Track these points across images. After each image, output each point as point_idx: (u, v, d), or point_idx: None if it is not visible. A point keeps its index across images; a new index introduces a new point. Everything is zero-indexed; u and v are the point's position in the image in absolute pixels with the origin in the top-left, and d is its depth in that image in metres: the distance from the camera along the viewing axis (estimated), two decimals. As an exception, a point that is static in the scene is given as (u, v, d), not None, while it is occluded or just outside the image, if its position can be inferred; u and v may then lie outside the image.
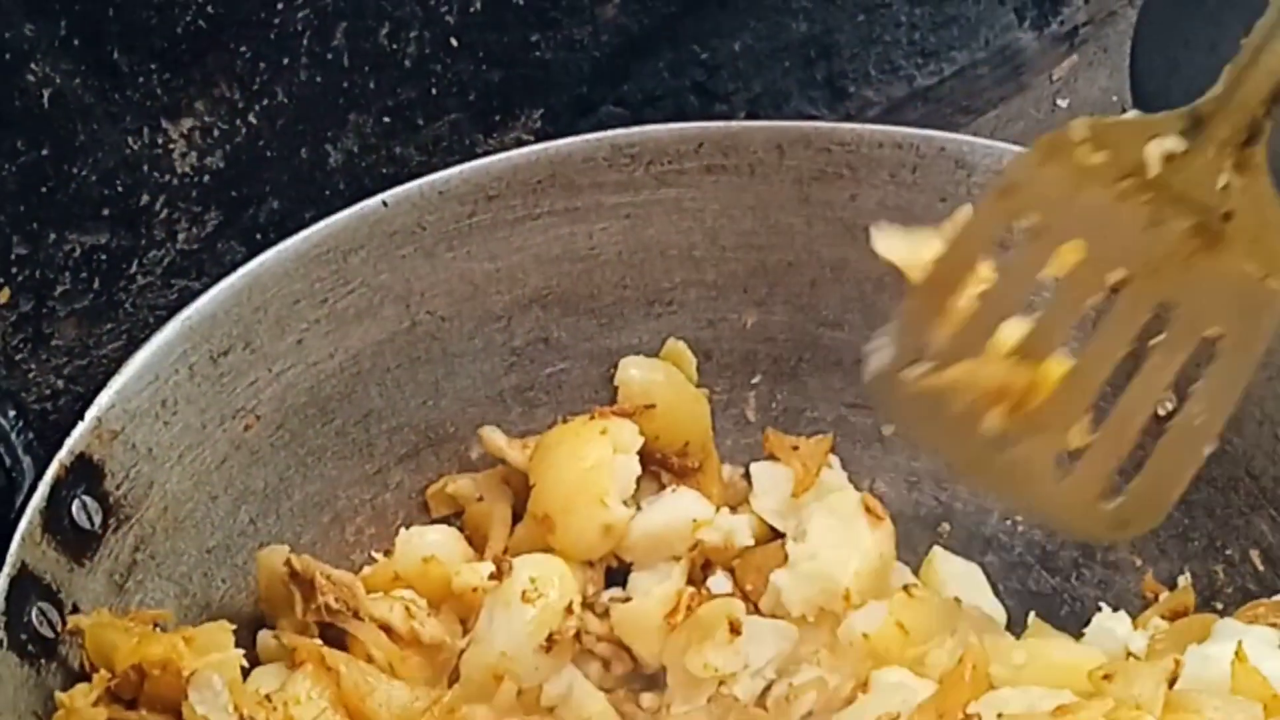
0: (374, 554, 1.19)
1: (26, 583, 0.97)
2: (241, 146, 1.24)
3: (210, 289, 1.10)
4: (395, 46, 1.29)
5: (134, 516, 1.05)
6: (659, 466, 1.19)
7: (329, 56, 1.26)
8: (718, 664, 1.10)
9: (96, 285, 1.22)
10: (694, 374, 1.22)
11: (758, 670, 1.12)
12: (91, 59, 1.14)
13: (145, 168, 1.20)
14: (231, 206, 1.27)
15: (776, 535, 1.18)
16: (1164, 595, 1.16)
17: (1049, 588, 1.21)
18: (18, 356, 1.20)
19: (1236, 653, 1.01)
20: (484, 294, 1.19)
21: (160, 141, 1.20)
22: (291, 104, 1.26)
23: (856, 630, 1.09)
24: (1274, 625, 1.08)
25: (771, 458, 1.21)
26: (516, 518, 1.18)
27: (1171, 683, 1.03)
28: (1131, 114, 0.93)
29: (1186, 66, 1.40)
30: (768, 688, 1.12)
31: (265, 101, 1.24)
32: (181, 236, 1.25)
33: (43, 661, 0.98)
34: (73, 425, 1.03)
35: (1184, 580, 1.15)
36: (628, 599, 1.15)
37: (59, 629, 0.99)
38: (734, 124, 1.25)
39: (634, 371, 1.19)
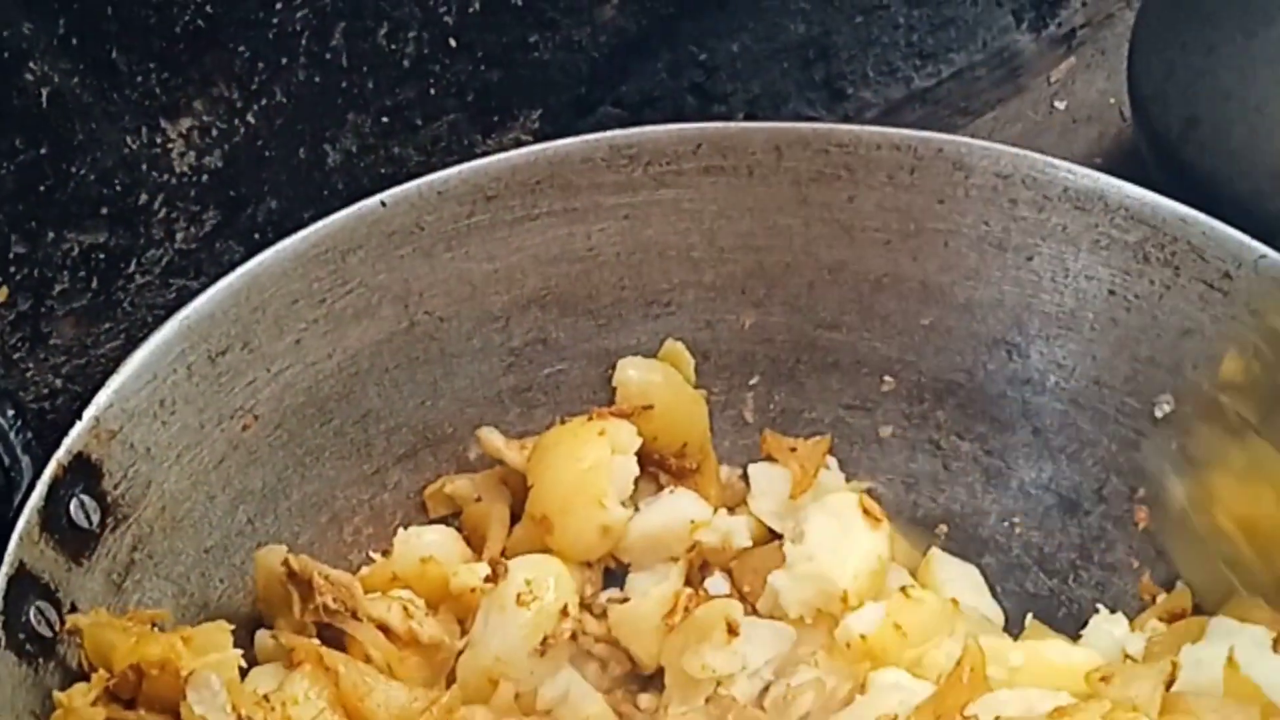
0: (372, 554, 1.19)
1: (25, 582, 0.97)
2: (240, 146, 1.24)
3: (208, 289, 1.10)
4: (394, 47, 1.29)
5: (132, 516, 1.05)
6: (657, 467, 1.19)
7: (327, 56, 1.26)
8: (715, 665, 1.10)
9: (95, 284, 1.22)
10: (692, 375, 1.22)
11: (755, 671, 1.12)
12: (90, 58, 1.14)
13: (144, 167, 1.20)
14: (230, 206, 1.26)
15: (774, 536, 1.18)
16: (1161, 597, 1.16)
17: (1046, 589, 1.21)
18: (16, 355, 1.20)
19: (1229, 658, 1.01)
20: (482, 294, 1.19)
21: (159, 141, 1.20)
22: (290, 104, 1.26)
23: (854, 631, 1.09)
24: (1263, 623, 1.08)
25: (769, 459, 1.21)
26: (515, 518, 1.18)
27: (1169, 684, 1.03)
28: None
29: (1183, 69, 1.40)
30: (765, 689, 1.12)
31: (264, 101, 1.24)
32: (180, 236, 1.25)
33: (41, 661, 0.98)
34: (71, 424, 1.03)
35: (1180, 584, 1.16)
36: (625, 600, 1.15)
37: (57, 628, 0.98)
38: (732, 125, 1.25)
39: (632, 372, 1.19)
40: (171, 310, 1.09)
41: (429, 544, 1.15)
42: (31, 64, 1.11)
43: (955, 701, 1.01)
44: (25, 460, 1.03)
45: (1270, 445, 1.09)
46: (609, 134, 1.19)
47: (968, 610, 1.15)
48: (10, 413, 1.04)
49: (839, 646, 1.10)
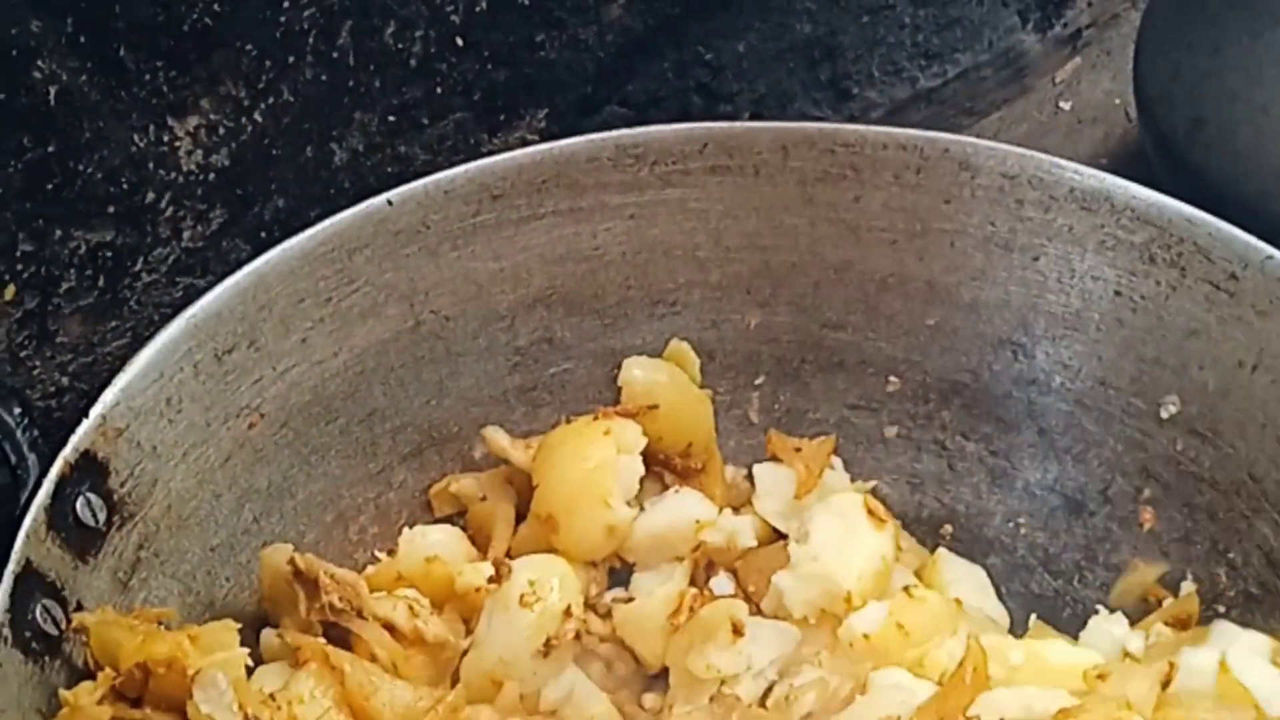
0: (377, 553, 1.19)
1: (31, 580, 0.97)
2: (247, 145, 1.24)
3: (215, 287, 1.10)
4: (401, 46, 1.29)
5: (138, 514, 1.05)
6: (662, 467, 1.19)
7: (334, 55, 1.26)
8: (720, 665, 1.09)
9: (101, 282, 1.22)
10: (697, 375, 1.22)
11: (760, 671, 1.11)
12: (98, 56, 1.14)
13: (151, 165, 1.20)
14: (237, 204, 1.27)
15: (779, 536, 1.18)
16: (1167, 601, 1.16)
17: (1051, 590, 1.21)
18: (23, 353, 1.20)
19: (1221, 662, 1.01)
20: (488, 293, 1.19)
21: (166, 139, 1.20)
22: (297, 102, 1.26)
23: (857, 631, 1.09)
24: (1269, 632, 1.08)
25: (774, 459, 1.21)
26: (520, 518, 1.18)
27: (1165, 685, 1.03)
28: None
29: (1189, 70, 1.40)
30: (769, 688, 1.12)
31: (271, 100, 1.24)
32: (187, 234, 1.25)
33: (47, 659, 0.98)
34: (77, 422, 1.03)
35: (1187, 585, 1.15)
36: (630, 599, 1.15)
37: (63, 626, 0.99)
38: (739, 125, 1.25)
39: (637, 372, 1.19)
40: (178, 309, 1.09)
41: (434, 543, 1.15)
42: (39, 62, 1.11)
43: (958, 702, 1.01)
44: (32, 458, 1.03)
45: None
46: (615, 133, 1.19)
47: (972, 611, 1.15)
48: (17, 410, 1.04)
49: (842, 646, 1.10)
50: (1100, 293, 1.16)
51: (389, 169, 1.33)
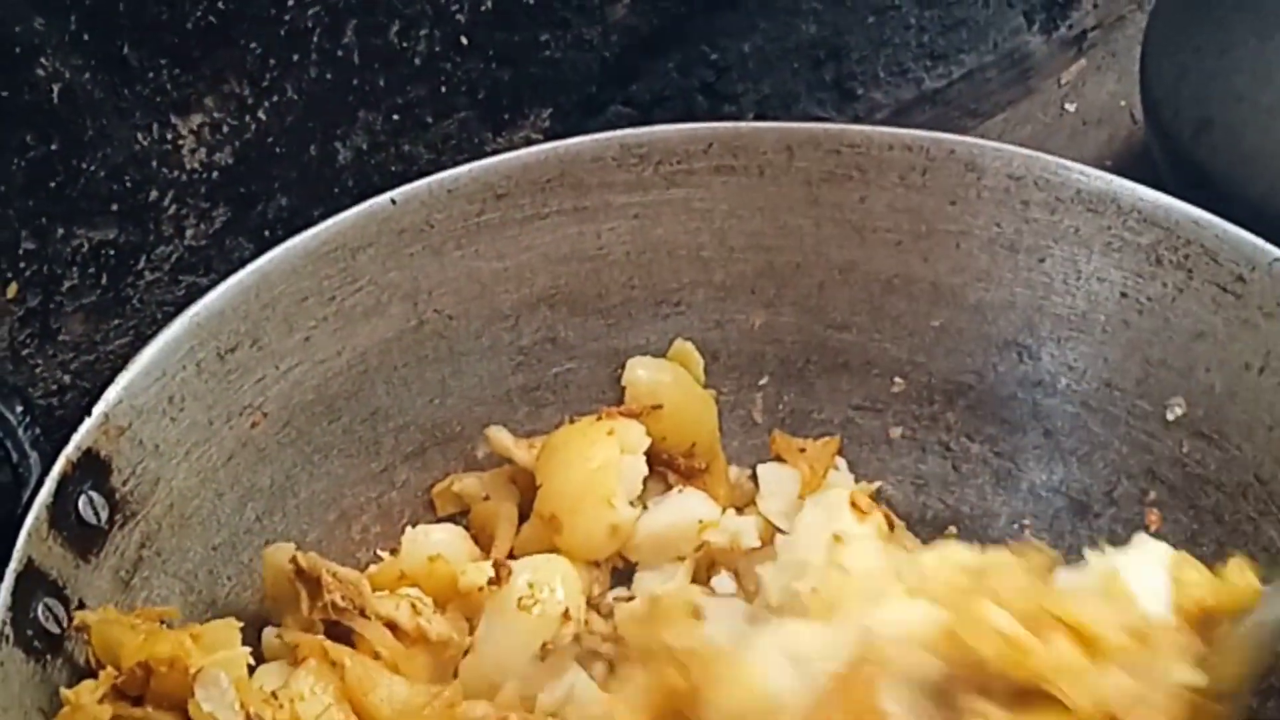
0: (380, 552, 1.18)
1: (33, 579, 0.97)
2: (250, 143, 1.24)
3: (218, 286, 1.10)
4: (405, 44, 1.29)
5: (140, 513, 1.05)
6: (665, 467, 1.19)
7: (339, 54, 1.26)
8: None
9: (104, 281, 1.22)
10: (701, 375, 1.22)
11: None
12: (101, 54, 1.14)
13: (154, 163, 1.20)
14: (240, 203, 1.26)
15: (783, 537, 1.18)
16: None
17: (1055, 592, 1.21)
18: (25, 352, 1.20)
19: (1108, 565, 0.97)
20: (492, 293, 1.19)
21: (169, 137, 1.20)
22: (301, 101, 1.25)
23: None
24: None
25: (778, 459, 1.21)
26: (523, 517, 1.17)
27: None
28: None
29: (1195, 72, 1.40)
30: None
31: (275, 98, 1.24)
32: (190, 233, 1.25)
33: (48, 658, 0.97)
34: (79, 421, 1.03)
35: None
36: (632, 599, 1.15)
37: (65, 625, 0.98)
38: (744, 125, 1.25)
39: (641, 372, 1.19)
40: (181, 307, 1.09)
41: (437, 542, 1.15)
42: (43, 59, 1.11)
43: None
44: (34, 457, 1.02)
45: None
46: (620, 133, 1.19)
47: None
48: (19, 409, 1.04)
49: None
50: (1106, 294, 1.16)
51: (393, 168, 1.33)
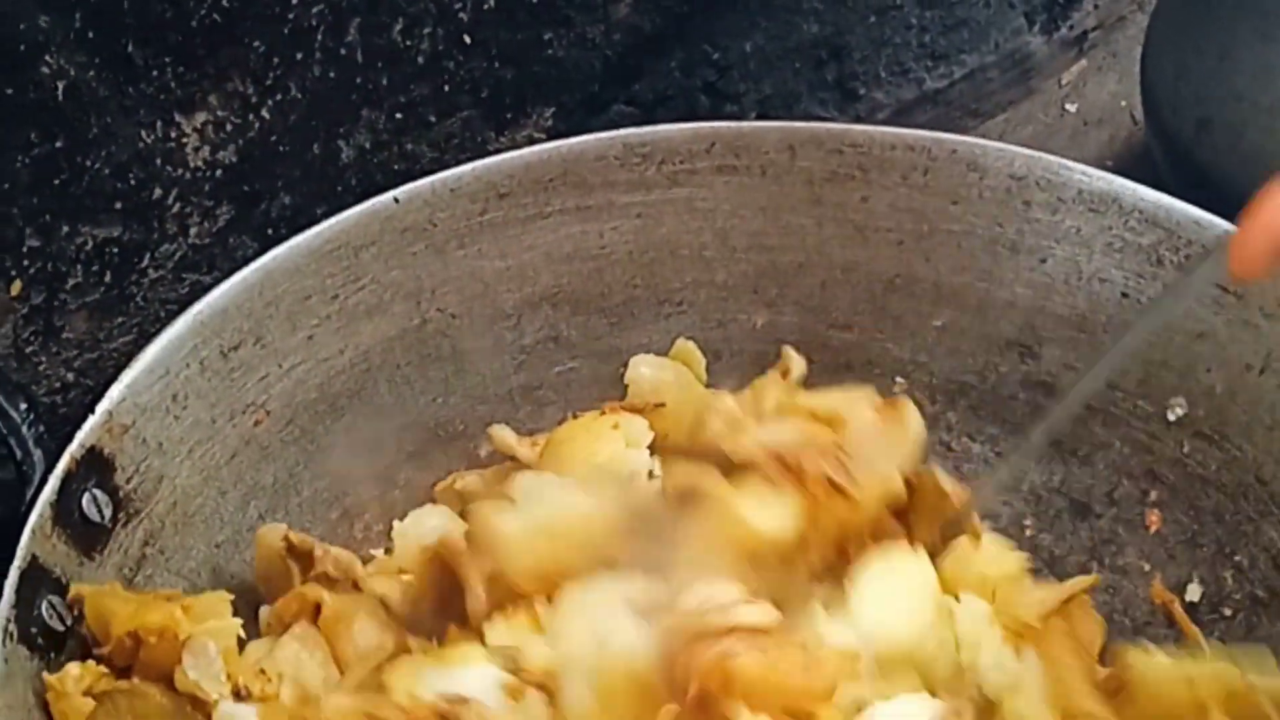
0: (382, 550, 1.18)
1: (37, 576, 0.97)
2: (254, 141, 1.24)
3: (221, 284, 1.10)
4: (408, 43, 1.29)
5: (143, 510, 1.05)
6: (667, 465, 1.19)
7: (342, 52, 1.26)
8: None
9: (108, 278, 1.22)
10: (703, 374, 1.22)
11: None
12: (106, 52, 1.14)
13: (158, 161, 1.20)
14: (243, 201, 1.26)
15: (785, 536, 1.18)
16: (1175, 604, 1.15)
17: (1056, 591, 1.21)
18: (28, 349, 1.20)
19: None
20: (494, 292, 1.19)
21: (173, 135, 1.20)
22: (304, 99, 1.26)
23: None
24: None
25: (780, 459, 1.21)
26: (524, 516, 1.18)
27: None
28: None
29: (1196, 72, 1.40)
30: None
31: (278, 96, 1.24)
32: (193, 231, 1.25)
33: (52, 655, 0.97)
34: (83, 418, 1.03)
35: (1193, 588, 1.15)
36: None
37: (69, 623, 0.98)
38: (746, 124, 1.25)
39: (644, 369, 1.19)
40: (184, 305, 1.09)
41: (431, 529, 1.14)
42: (47, 57, 1.11)
43: None
44: (37, 454, 1.02)
45: None
46: (623, 132, 1.19)
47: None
48: (23, 406, 1.04)
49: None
50: (1108, 295, 1.16)
51: (396, 166, 1.33)
